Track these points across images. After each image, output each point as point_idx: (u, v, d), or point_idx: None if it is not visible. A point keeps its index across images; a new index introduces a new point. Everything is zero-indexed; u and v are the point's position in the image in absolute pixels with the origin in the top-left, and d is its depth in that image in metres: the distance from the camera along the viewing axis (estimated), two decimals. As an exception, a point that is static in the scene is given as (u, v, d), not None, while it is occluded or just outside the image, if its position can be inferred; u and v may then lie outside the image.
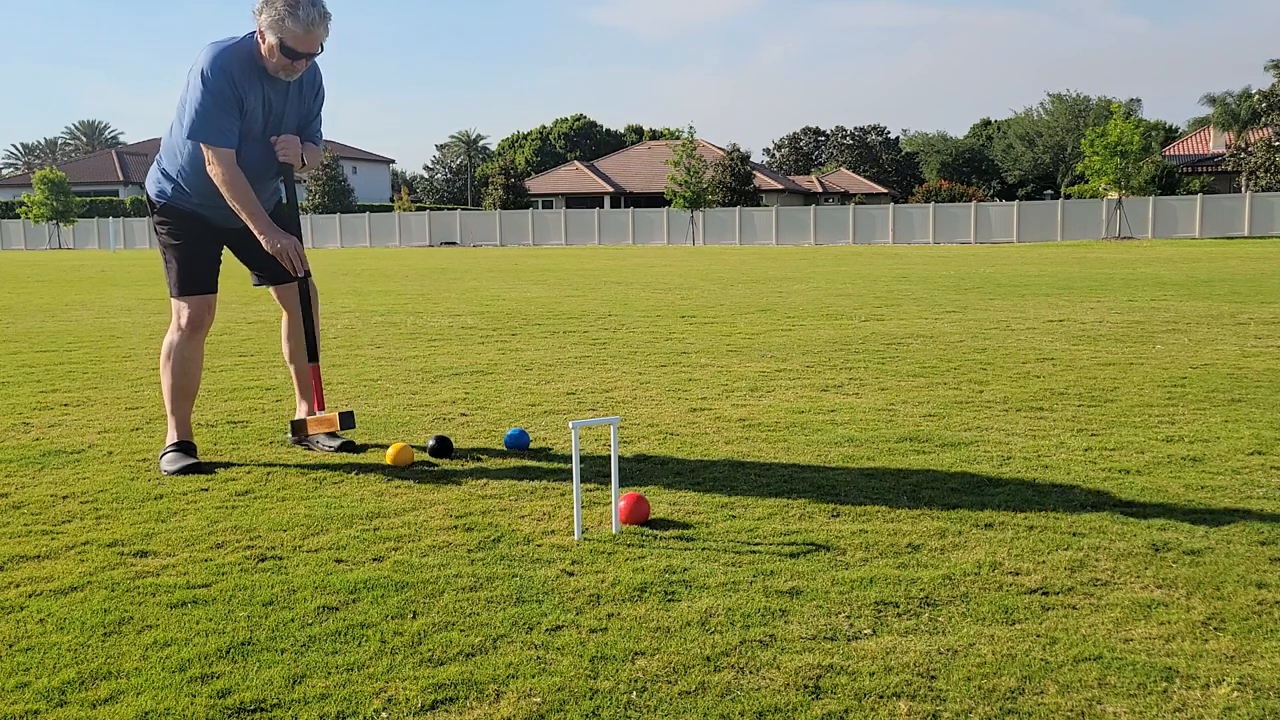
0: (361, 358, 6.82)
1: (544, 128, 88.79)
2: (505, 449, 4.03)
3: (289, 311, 4.16)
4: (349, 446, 4.04)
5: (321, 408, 3.99)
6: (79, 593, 2.53)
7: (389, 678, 2.04)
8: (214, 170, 3.69)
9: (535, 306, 10.85)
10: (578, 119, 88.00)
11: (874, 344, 7.17)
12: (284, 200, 4.04)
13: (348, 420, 3.89)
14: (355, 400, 5.15)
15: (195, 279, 3.89)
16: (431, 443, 3.91)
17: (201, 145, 3.69)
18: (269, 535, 2.98)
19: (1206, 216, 38.76)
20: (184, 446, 3.86)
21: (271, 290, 4.16)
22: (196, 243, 3.90)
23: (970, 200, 48.11)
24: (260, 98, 3.73)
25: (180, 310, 3.91)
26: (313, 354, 3.98)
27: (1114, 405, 4.76)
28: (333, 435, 4.10)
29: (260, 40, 3.66)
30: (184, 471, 3.72)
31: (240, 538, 2.96)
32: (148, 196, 3.98)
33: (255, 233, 3.79)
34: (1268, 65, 46.11)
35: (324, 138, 4.10)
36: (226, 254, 4.09)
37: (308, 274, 3.96)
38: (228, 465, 3.85)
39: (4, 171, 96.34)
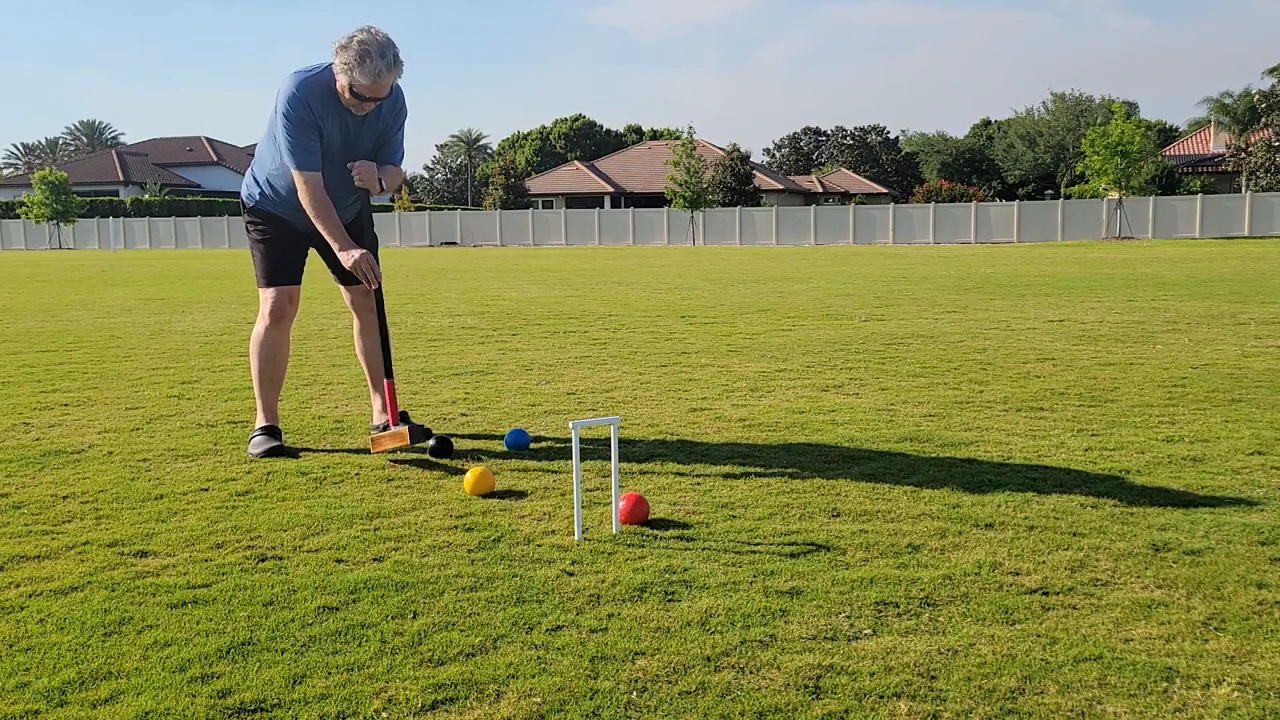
0: (361, 358, 6.81)
1: (544, 128, 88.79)
2: (505, 449, 4.04)
3: (357, 313, 4.37)
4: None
5: (396, 422, 4.08)
6: (79, 593, 2.53)
7: (389, 678, 2.05)
8: (301, 193, 3.92)
9: (535, 306, 10.85)
10: (577, 119, 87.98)
11: (874, 344, 7.17)
12: (362, 215, 4.23)
13: (420, 434, 3.95)
14: (357, 400, 5.15)
15: (277, 272, 4.16)
16: (432, 443, 3.92)
17: (290, 170, 3.93)
18: (269, 535, 2.98)
19: (1207, 216, 38.78)
20: (270, 430, 4.10)
21: (344, 292, 4.38)
22: (280, 241, 4.17)
23: (970, 200, 48.11)
24: (338, 123, 3.96)
25: (265, 300, 4.18)
26: (387, 370, 4.10)
27: (1114, 405, 4.76)
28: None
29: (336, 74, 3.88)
30: (269, 454, 3.95)
31: (240, 538, 2.96)
32: (241, 198, 4.28)
33: (334, 249, 4.02)
34: (1264, 73, 46.16)
35: (404, 155, 4.28)
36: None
37: (379, 289, 4.10)
38: (228, 465, 3.86)
39: (4, 171, 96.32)
